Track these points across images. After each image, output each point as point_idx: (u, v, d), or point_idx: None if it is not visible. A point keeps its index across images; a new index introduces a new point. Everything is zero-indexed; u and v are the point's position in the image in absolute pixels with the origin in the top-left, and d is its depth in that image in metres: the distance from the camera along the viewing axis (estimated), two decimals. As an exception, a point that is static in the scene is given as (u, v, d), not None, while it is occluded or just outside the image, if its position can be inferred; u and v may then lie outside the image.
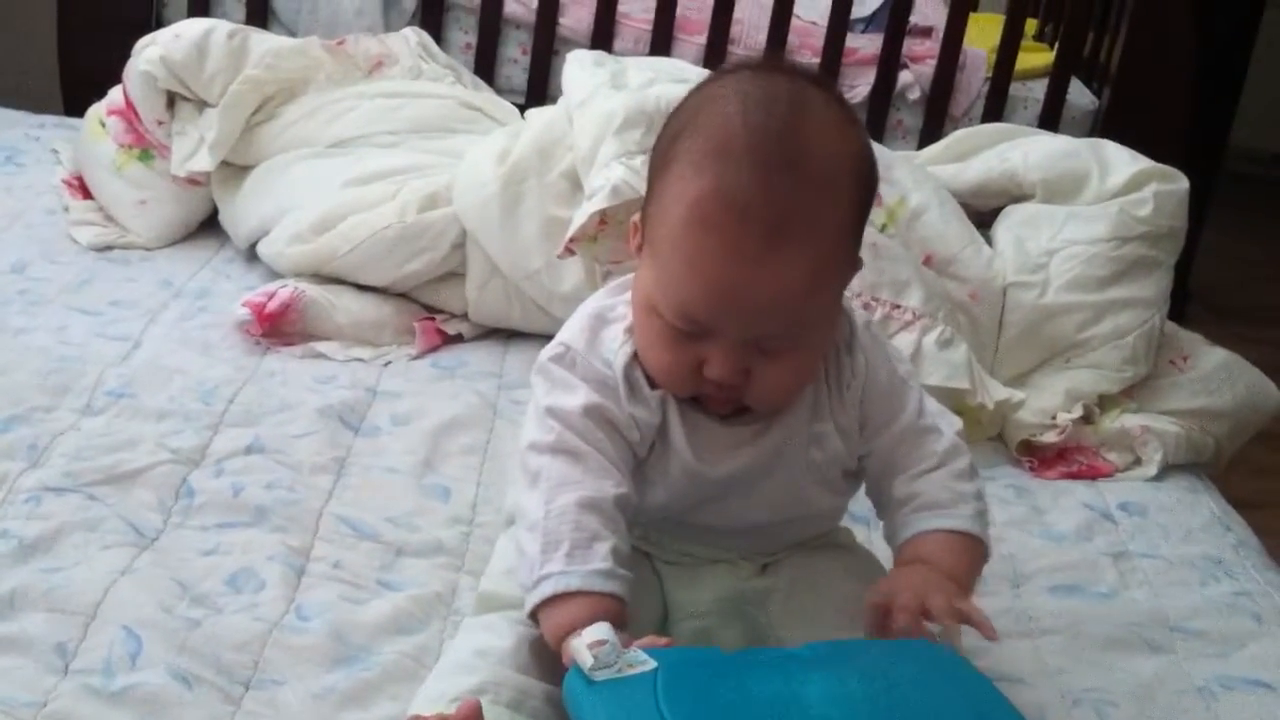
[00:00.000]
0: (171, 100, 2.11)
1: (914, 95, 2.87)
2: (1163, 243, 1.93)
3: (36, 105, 2.59)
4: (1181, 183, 1.96)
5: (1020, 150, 2.05)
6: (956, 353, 1.79)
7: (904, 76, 2.86)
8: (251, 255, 2.04)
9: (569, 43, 2.77)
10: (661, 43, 2.80)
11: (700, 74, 1.89)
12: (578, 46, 2.53)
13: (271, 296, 1.83)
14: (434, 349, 1.88)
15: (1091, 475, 1.78)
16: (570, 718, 1.02)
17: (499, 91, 2.51)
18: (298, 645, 1.25)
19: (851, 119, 1.17)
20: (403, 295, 1.93)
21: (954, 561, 1.17)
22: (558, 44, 2.80)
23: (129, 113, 2.11)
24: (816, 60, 2.80)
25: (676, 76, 1.97)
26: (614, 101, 1.90)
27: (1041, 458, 1.80)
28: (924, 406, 1.24)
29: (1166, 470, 1.80)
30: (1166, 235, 1.93)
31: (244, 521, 1.42)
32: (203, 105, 2.10)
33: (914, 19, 2.91)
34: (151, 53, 2.08)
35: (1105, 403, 1.87)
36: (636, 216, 1.20)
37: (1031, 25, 3.20)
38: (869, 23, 3.13)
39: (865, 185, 1.16)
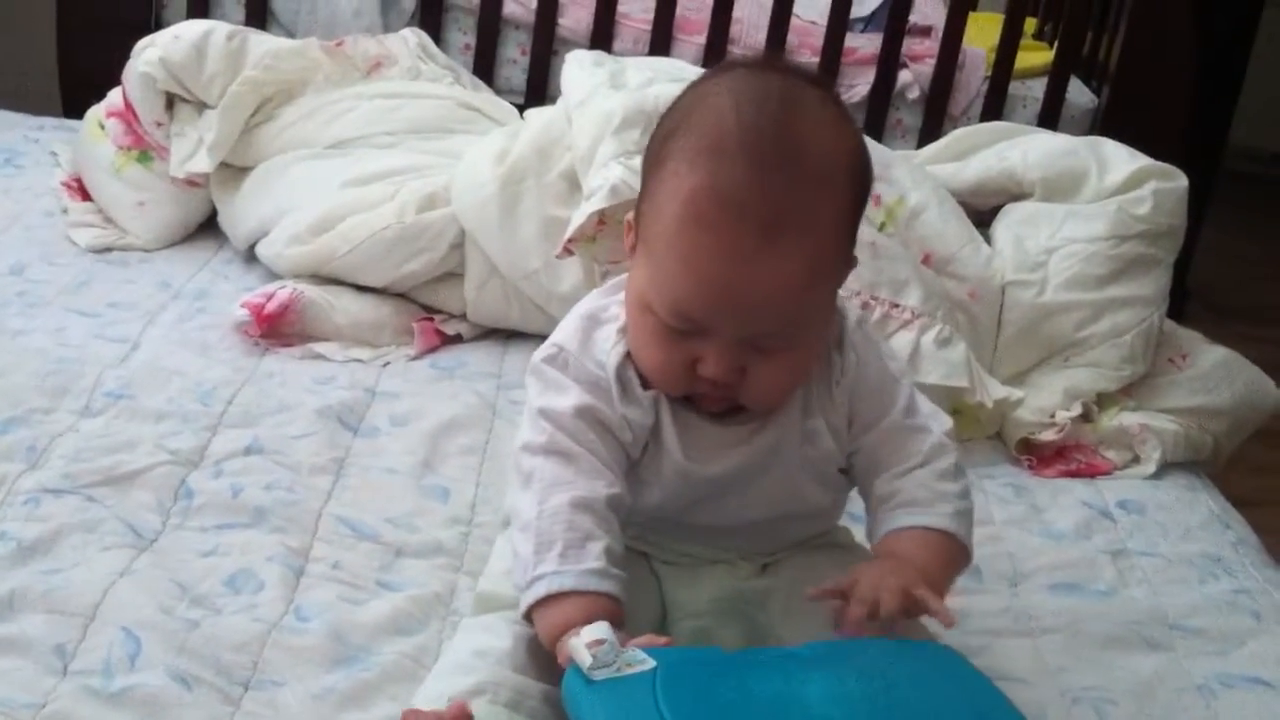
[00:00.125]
0: (170, 102, 2.11)
1: (913, 94, 2.87)
2: (1161, 241, 1.93)
3: (35, 107, 2.60)
4: (1180, 181, 1.95)
5: (1019, 149, 2.05)
6: (955, 351, 1.79)
7: (903, 76, 2.86)
8: (250, 256, 2.04)
9: (568, 43, 2.77)
10: (661, 43, 2.80)
11: (699, 74, 1.89)
12: (577, 47, 2.53)
13: (270, 297, 1.83)
14: (433, 349, 1.88)
15: (1090, 473, 1.78)
16: (569, 717, 1.02)
17: (498, 92, 2.51)
18: (297, 646, 1.25)
19: (845, 116, 1.17)
20: (401, 296, 1.93)
21: (925, 556, 1.15)
22: (557, 44, 2.80)
23: (128, 114, 2.11)
24: (816, 60, 2.80)
25: (675, 76, 1.97)
26: (613, 101, 1.90)
27: (1040, 456, 1.80)
28: (914, 406, 1.24)
29: (1165, 468, 1.80)
30: (1165, 233, 1.93)
31: (243, 522, 1.42)
32: (202, 107, 2.10)
33: (913, 18, 2.91)
34: (150, 54, 2.08)
35: (1104, 401, 1.87)
36: (630, 215, 1.20)
37: (1031, 24, 3.20)
38: (868, 22, 3.13)
39: (860, 182, 1.16)
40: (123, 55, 2.13)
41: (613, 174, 1.78)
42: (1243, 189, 4.35)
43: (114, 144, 2.11)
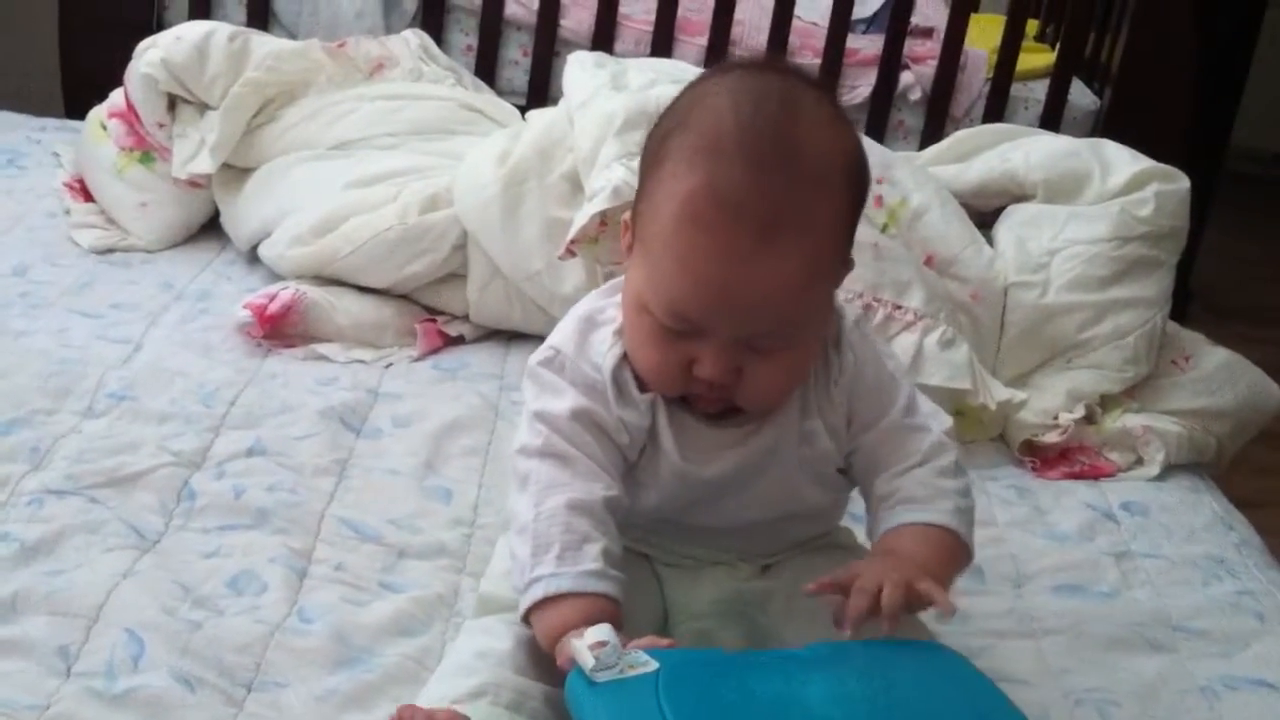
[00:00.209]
0: (172, 103, 2.11)
1: (915, 96, 2.87)
2: (1164, 242, 1.93)
3: (38, 108, 2.60)
4: (1183, 182, 1.95)
5: (1021, 150, 2.05)
6: (958, 353, 1.79)
7: (905, 77, 2.86)
8: (253, 257, 2.04)
9: (570, 44, 2.77)
10: (662, 44, 2.80)
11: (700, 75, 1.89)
12: (578, 48, 2.53)
13: (273, 298, 1.83)
14: (435, 350, 1.88)
15: (1093, 475, 1.78)
16: (572, 719, 1.02)
17: (500, 93, 2.51)
18: (300, 647, 1.25)
19: (843, 117, 1.17)
20: (404, 297, 1.93)
21: (926, 552, 1.15)
22: (558, 45, 2.80)
23: (130, 115, 2.11)
24: (818, 61, 2.80)
25: (677, 78, 1.97)
26: (615, 103, 1.90)
27: (1043, 458, 1.80)
28: (914, 405, 1.24)
29: (1168, 470, 1.80)
30: (1168, 235, 1.93)
31: (245, 524, 1.42)
32: (204, 108, 2.10)
33: (915, 20, 2.91)
34: (152, 55, 2.08)
35: (1107, 403, 1.86)
36: (627, 215, 1.20)
37: (1032, 26, 3.20)
38: (870, 23, 3.13)
39: (857, 183, 1.16)
40: (125, 56, 2.13)
41: (615, 175, 1.78)
42: (1244, 190, 4.35)
43: (116, 145, 2.11)
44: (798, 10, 2.81)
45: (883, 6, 3.10)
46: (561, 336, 1.22)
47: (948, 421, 1.25)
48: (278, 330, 1.82)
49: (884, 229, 1.88)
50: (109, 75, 2.18)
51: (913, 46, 2.88)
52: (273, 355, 1.79)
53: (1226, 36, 3.28)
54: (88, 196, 2.15)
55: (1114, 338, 1.87)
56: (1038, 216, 1.98)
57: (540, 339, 1.25)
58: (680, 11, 2.82)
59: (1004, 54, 2.83)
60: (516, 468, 1.17)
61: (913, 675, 1.07)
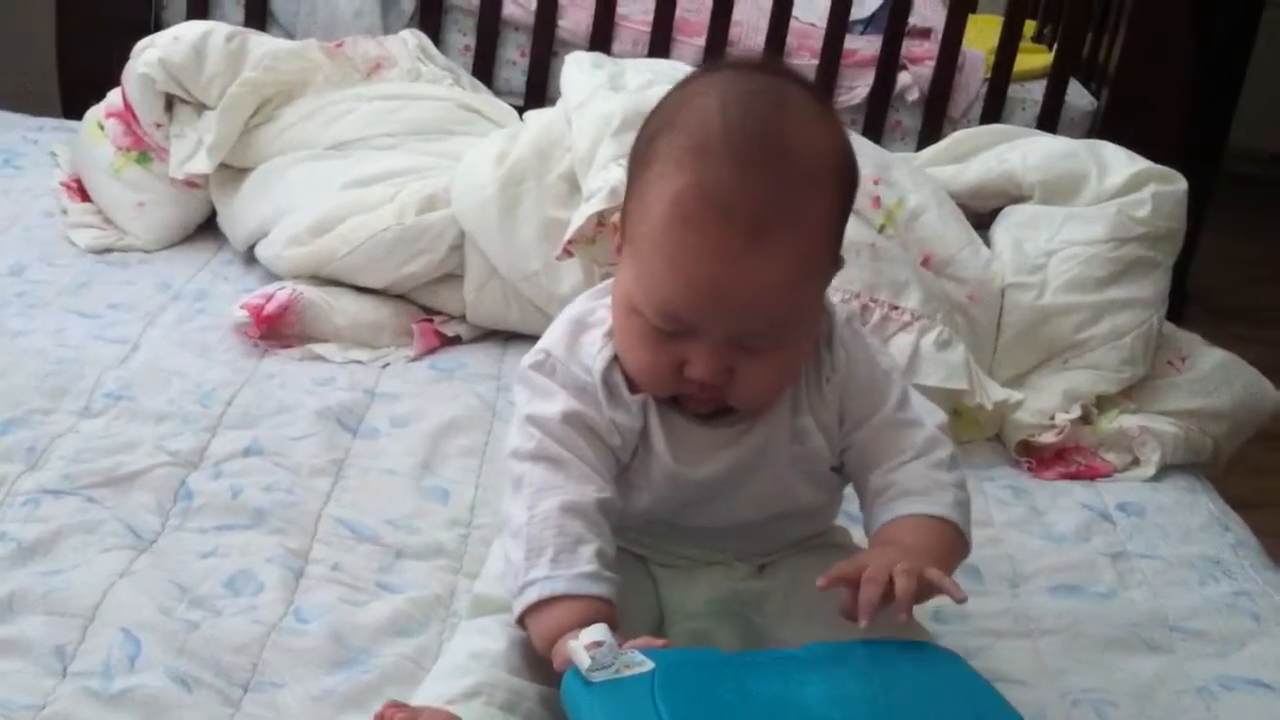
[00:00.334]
0: (170, 103, 2.11)
1: (913, 96, 2.87)
2: (1161, 243, 1.93)
3: (35, 108, 2.60)
4: (1180, 184, 1.96)
5: (1019, 151, 2.05)
6: (955, 353, 1.79)
7: (903, 78, 2.85)
8: (250, 257, 2.04)
9: (568, 44, 2.77)
10: (660, 44, 2.80)
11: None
12: (576, 48, 2.53)
13: (270, 298, 1.83)
14: (432, 351, 1.88)
15: (1090, 476, 1.78)
16: (567, 719, 1.02)
17: (498, 93, 2.51)
18: (297, 647, 1.25)
19: (831, 115, 1.17)
20: (401, 297, 1.93)
21: (927, 542, 1.15)
22: (556, 46, 2.80)
23: (127, 115, 2.11)
24: (815, 62, 2.80)
25: (675, 79, 1.95)
26: (612, 103, 1.90)
27: (1040, 458, 1.80)
28: (907, 401, 1.24)
29: (1165, 470, 1.80)
30: (1165, 236, 1.93)
31: (242, 524, 1.42)
32: (201, 107, 2.10)
33: (913, 20, 2.91)
34: (150, 55, 2.08)
35: (1103, 403, 1.87)
36: (617, 216, 1.20)
37: (1030, 26, 3.20)
38: (868, 24, 3.13)
39: (846, 181, 1.16)
40: (122, 56, 2.13)
41: (612, 176, 1.78)
42: (1242, 191, 4.35)
43: (113, 145, 2.11)
44: (795, 11, 2.81)
45: (880, 7, 3.10)
46: (552, 339, 1.22)
47: (941, 416, 1.25)
48: (275, 330, 1.81)
49: (881, 229, 1.88)
50: (106, 75, 2.18)
51: (910, 47, 2.88)
52: (270, 355, 1.79)
53: (1224, 37, 3.28)
54: (85, 196, 2.15)
55: (1111, 338, 1.87)
56: (1035, 217, 1.98)
57: (537, 339, 1.25)
58: (678, 12, 2.81)
59: (1001, 55, 2.83)
60: (510, 471, 1.17)
61: (910, 676, 1.07)
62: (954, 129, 2.53)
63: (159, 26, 2.69)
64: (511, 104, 2.32)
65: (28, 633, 1.21)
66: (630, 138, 1.79)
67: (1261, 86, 3.94)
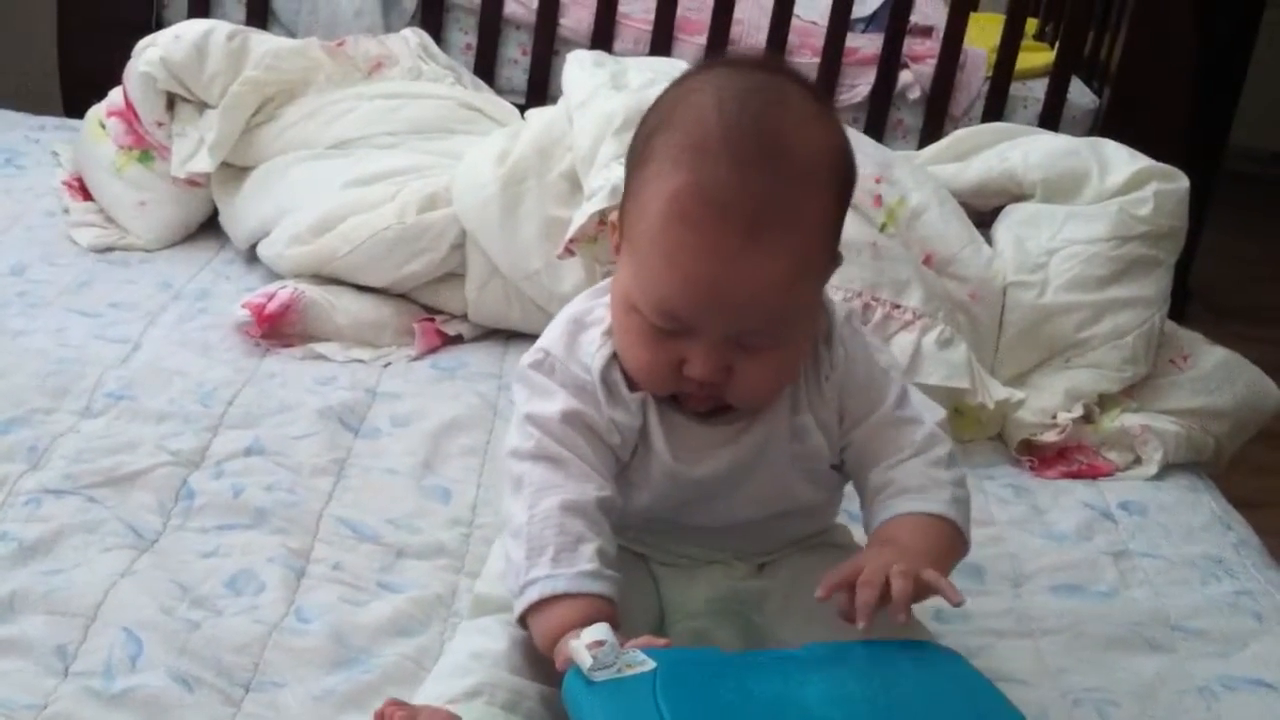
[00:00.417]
0: (171, 101, 2.11)
1: (914, 95, 2.87)
2: (1163, 242, 1.93)
3: (36, 107, 2.59)
4: (1181, 182, 1.95)
5: (1020, 150, 2.05)
6: (956, 352, 1.79)
7: (904, 76, 2.85)
8: (251, 256, 2.04)
9: (569, 43, 2.77)
10: (662, 43, 2.80)
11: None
12: (578, 47, 2.53)
13: (271, 298, 1.83)
14: (434, 350, 1.88)
15: (1092, 475, 1.78)
16: (569, 718, 1.02)
17: (499, 92, 2.51)
18: (298, 647, 1.25)
19: (828, 113, 1.17)
20: (402, 296, 1.93)
21: (926, 542, 1.14)
22: (558, 44, 2.80)
23: (129, 114, 2.11)
24: (817, 60, 2.80)
25: (676, 77, 1.97)
26: (614, 102, 1.90)
27: (1042, 457, 1.80)
28: (906, 398, 1.24)
29: (1167, 469, 1.80)
30: (1166, 235, 1.93)
31: (244, 523, 1.42)
32: (203, 106, 2.10)
33: (914, 18, 2.91)
34: (151, 54, 2.08)
35: (1105, 402, 1.86)
36: (615, 215, 1.20)
37: (1032, 25, 3.20)
38: (869, 22, 3.13)
39: (843, 179, 1.16)
40: (123, 55, 2.13)
41: (614, 175, 1.78)
42: (1243, 189, 4.35)
43: (115, 144, 2.11)
44: (797, 9, 2.81)
45: (882, 5, 3.10)
46: (551, 338, 1.22)
47: (941, 413, 1.25)
48: (276, 329, 1.81)
49: (883, 228, 1.88)
50: (108, 74, 2.18)
51: (912, 45, 2.88)
52: (271, 354, 1.79)
53: (1225, 36, 3.28)
54: (86, 195, 2.15)
55: (1112, 337, 1.87)
56: (1036, 216, 1.98)
57: (539, 339, 1.25)
58: (680, 10, 2.81)
59: (1003, 53, 2.83)
60: (509, 471, 1.17)
61: (911, 675, 1.07)
62: (955, 127, 2.53)
63: (160, 25, 2.69)
64: (513, 103, 2.32)
65: (29, 632, 1.21)
66: (631, 136, 1.81)
67: (1263, 85, 3.94)
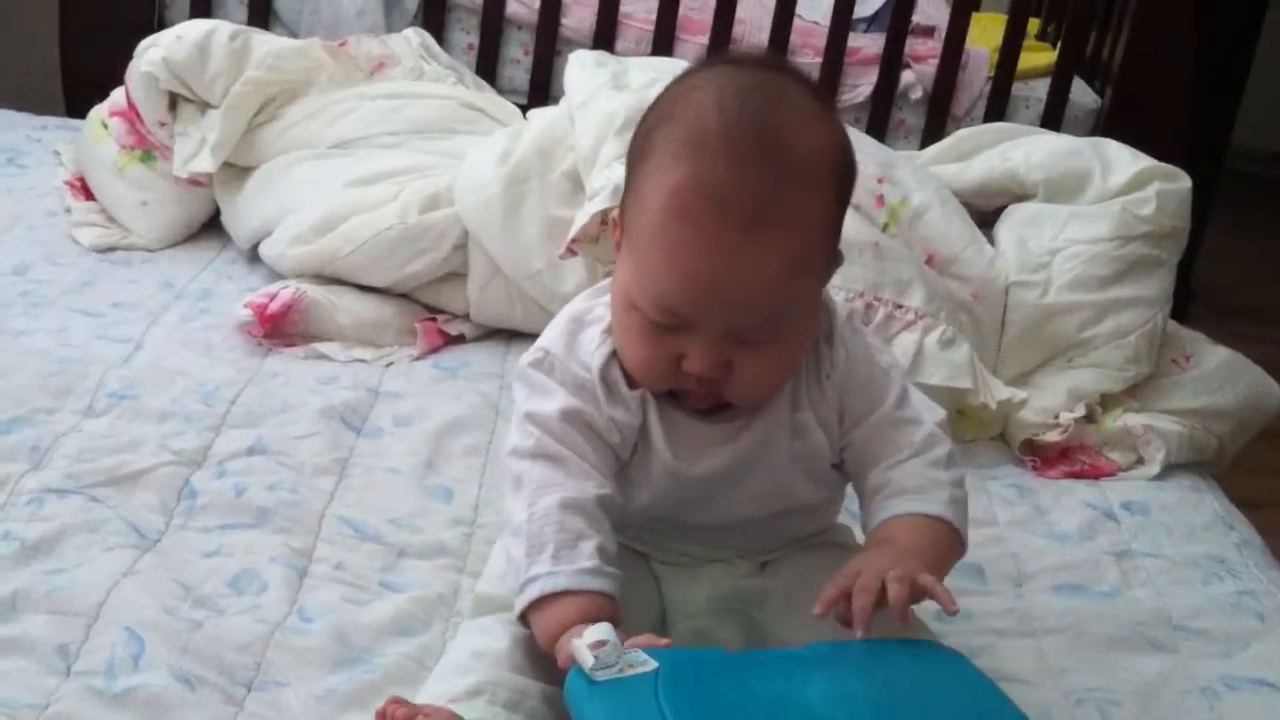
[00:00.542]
0: (173, 101, 2.11)
1: (916, 95, 2.87)
2: (1165, 242, 1.93)
3: (38, 107, 2.59)
4: (1184, 182, 1.95)
5: (1022, 150, 2.05)
6: (959, 352, 1.79)
7: (906, 76, 2.86)
8: (253, 256, 2.04)
9: (571, 43, 2.77)
10: (663, 43, 2.81)
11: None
12: (580, 47, 2.53)
13: (273, 297, 1.83)
14: (436, 350, 1.88)
15: (1094, 474, 1.78)
16: (571, 718, 1.02)
17: (501, 92, 2.51)
18: (300, 647, 1.25)
19: (828, 111, 1.17)
20: (404, 296, 1.93)
21: (922, 543, 1.14)
22: (560, 44, 2.80)
23: (131, 114, 2.11)
24: (819, 60, 2.80)
25: (678, 75, 1.97)
26: (615, 102, 1.90)
27: (1044, 457, 1.79)
28: (906, 398, 1.24)
29: (1169, 469, 1.79)
30: (1169, 234, 1.93)
31: (246, 523, 1.42)
32: (205, 106, 2.10)
33: (916, 18, 2.91)
34: (153, 54, 2.08)
35: (1108, 402, 1.86)
36: (615, 213, 1.20)
37: (1034, 25, 3.20)
38: (871, 22, 3.13)
39: (843, 177, 1.16)
40: (125, 55, 2.13)
41: (616, 174, 1.78)
42: (1245, 189, 4.35)
43: (117, 143, 2.11)
44: (799, 9, 2.82)
45: (884, 5, 3.10)
46: (550, 337, 1.23)
47: (940, 414, 1.25)
48: (278, 329, 1.81)
49: (885, 228, 1.88)
50: (110, 74, 2.18)
51: (914, 45, 2.88)
52: (273, 354, 1.79)
53: (1227, 36, 3.28)
54: (88, 195, 2.15)
55: (1115, 337, 1.87)
56: (1038, 216, 1.98)
57: (540, 338, 1.25)
58: (681, 10, 2.82)
59: (1005, 53, 2.83)
60: (509, 469, 1.17)
61: (913, 675, 1.07)
62: (957, 127, 2.53)
63: (162, 25, 2.70)
64: (515, 103, 2.32)
65: (31, 632, 1.21)
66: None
67: (1265, 85, 3.94)
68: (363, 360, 1.81)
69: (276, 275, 1.95)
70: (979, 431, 1.82)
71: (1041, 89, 2.89)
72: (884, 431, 1.22)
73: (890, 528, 1.17)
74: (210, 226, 2.14)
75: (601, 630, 1.03)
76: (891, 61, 2.82)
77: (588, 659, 1.01)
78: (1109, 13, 3.01)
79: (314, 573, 1.36)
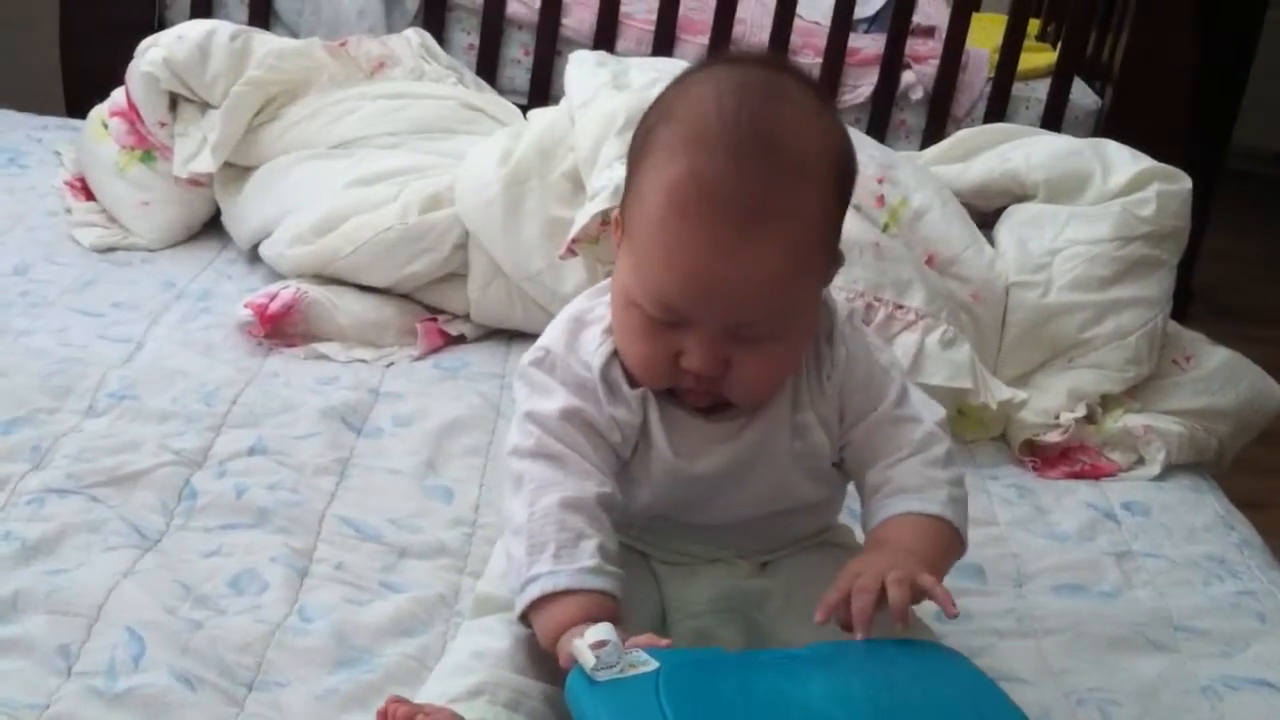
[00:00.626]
0: (174, 101, 2.11)
1: (917, 95, 2.87)
2: (1165, 242, 1.93)
3: (39, 107, 2.59)
4: (1184, 182, 1.95)
5: (1022, 150, 2.05)
6: (959, 353, 1.79)
7: (907, 76, 2.86)
8: (254, 256, 2.04)
9: (571, 43, 2.77)
10: (664, 43, 2.81)
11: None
12: (580, 47, 2.53)
13: (274, 298, 1.83)
14: (436, 350, 1.88)
15: (1095, 475, 1.78)
16: (572, 718, 1.02)
17: (501, 92, 2.51)
18: (300, 647, 1.25)
19: (828, 110, 1.17)
20: (405, 296, 1.93)
21: (921, 543, 1.14)
22: (560, 44, 2.80)
23: (131, 114, 2.11)
24: (819, 60, 2.80)
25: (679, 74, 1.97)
26: (616, 102, 1.90)
27: (1044, 457, 1.79)
28: (905, 397, 1.24)
29: (1169, 470, 1.79)
30: (1169, 235, 1.93)
31: (246, 523, 1.42)
32: (205, 106, 2.10)
33: (916, 19, 2.91)
34: (154, 54, 2.08)
35: (1108, 402, 1.86)
36: (617, 212, 1.20)
37: (1034, 25, 3.20)
38: (872, 23, 3.13)
39: (843, 176, 1.16)
40: (126, 55, 2.13)
41: (616, 174, 1.78)
42: (1246, 189, 4.35)
43: (117, 144, 2.11)
44: (799, 9, 2.82)
45: (884, 6, 3.10)
46: (551, 337, 1.23)
47: (940, 412, 1.25)
48: (279, 329, 1.82)
49: (885, 228, 1.88)
50: (110, 74, 2.18)
51: (914, 46, 2.88)
52: (274, 354, 1.79)
53: (1228, 36, 3.28)
54: (89, 195, 2.15)
55: (1115, 337, 1.87)
56: (1039, 216, 1.98)
57: (542, 338, 1.25)
58: (682, 10, 2.82)
59: (1005, 53, 2.83)
60: (510, 469, 1.17)
61: (914, 675, 1.07)
62: (958, 128, 2.54)
63: (163, 25, 2.70)
64: (515, 103, 2.32)
65: (32, 632, 1.21)
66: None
67: (1265, 85, 3.94)
68: (363, 360, 1.81)
69: (277, 275, 1.95)
70: (979, 432, 1.82)
71: (1042, 90, 2.89)
72: (883, 430, 1.22)
73: (889, 528, 1.17)
74: (210, 227, 2.14)
75: (602, 630, 1.03)
76: (892, 62, 2.82)
77: (589, 659, 1.01)
78: (1109, 13, 3.01)
79: (314, 573, 1.36)
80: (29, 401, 1.56)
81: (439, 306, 1.94)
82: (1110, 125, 2.76)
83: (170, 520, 1.41)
